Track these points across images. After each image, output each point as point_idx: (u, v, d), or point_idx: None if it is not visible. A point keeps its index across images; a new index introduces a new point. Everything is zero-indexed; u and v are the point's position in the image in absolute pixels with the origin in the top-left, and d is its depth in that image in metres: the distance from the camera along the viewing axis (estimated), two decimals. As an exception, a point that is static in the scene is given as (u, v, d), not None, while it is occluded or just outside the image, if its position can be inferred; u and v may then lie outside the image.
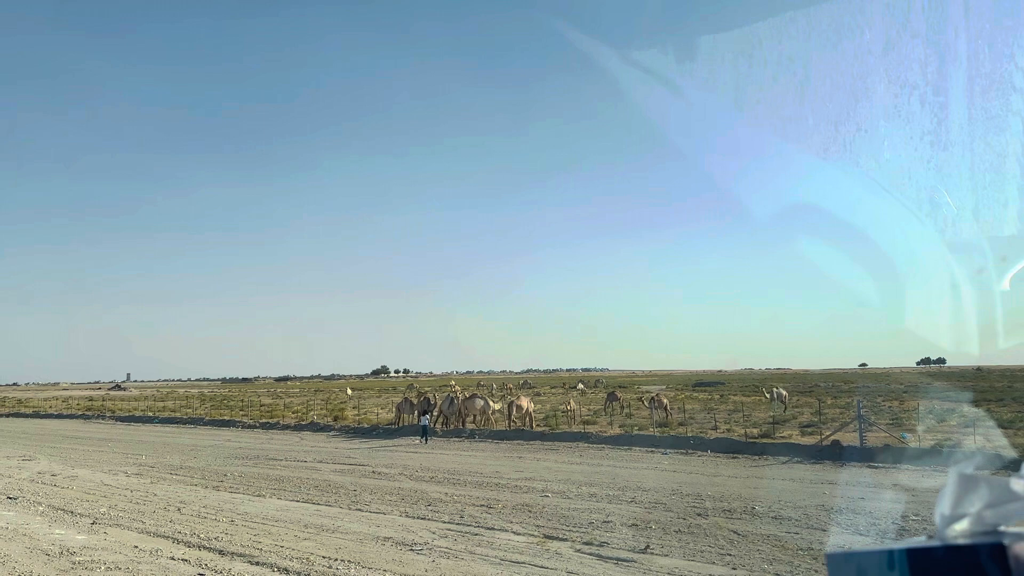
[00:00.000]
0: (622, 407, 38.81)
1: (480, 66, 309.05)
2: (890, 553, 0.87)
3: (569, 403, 35.85)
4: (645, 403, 37.76)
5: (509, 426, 30.73)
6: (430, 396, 35.48)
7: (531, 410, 31.84)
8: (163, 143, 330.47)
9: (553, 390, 73.43)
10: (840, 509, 13.56)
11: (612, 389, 53.98)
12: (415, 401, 34.41)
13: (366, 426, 34.52)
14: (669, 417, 32.51)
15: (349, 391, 75.70)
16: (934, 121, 3.83)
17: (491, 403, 32.53)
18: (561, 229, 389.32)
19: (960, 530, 0.86)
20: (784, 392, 35.98)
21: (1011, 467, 14.79)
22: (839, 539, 11.22)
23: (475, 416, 32.08)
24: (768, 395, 35.17)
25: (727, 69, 4.76)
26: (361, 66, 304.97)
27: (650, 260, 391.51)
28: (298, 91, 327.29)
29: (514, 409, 31.41)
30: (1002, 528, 0.86)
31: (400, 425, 33.02)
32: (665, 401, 34.49)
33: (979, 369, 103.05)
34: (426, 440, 28.28)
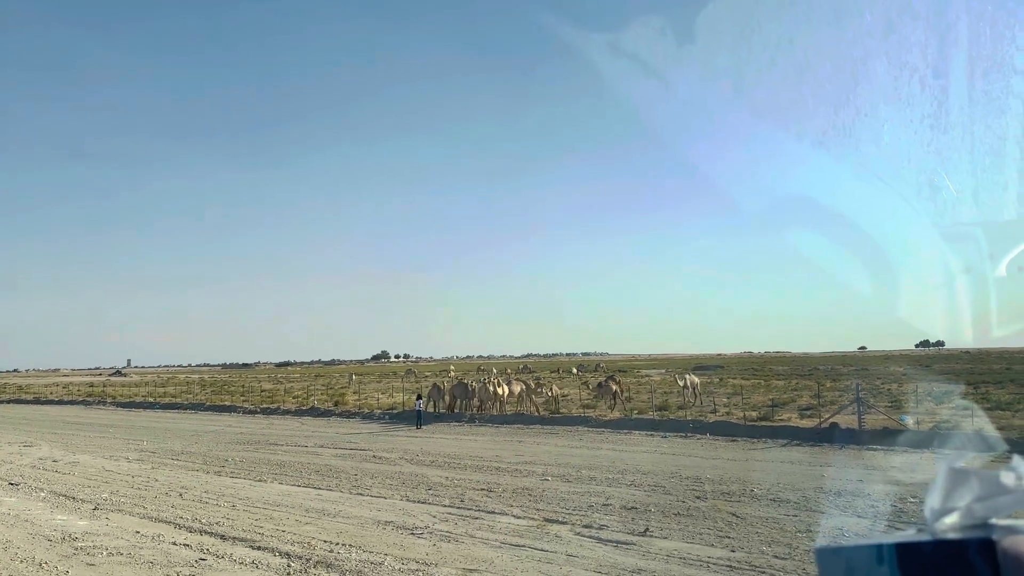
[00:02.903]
0: (621, 390, 38.60)
1: (477, 52, 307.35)
2: (879, 547, 0.87)
3: (552, 388, 34.53)
4: (590, 387, 36.37)
5: (502, 411, 30.76)
6: (467, 382, 34.66)
7: (519, 393, 31.73)
8: (163, 128, 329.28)
9: (552, 375, 73.59)
10: (838, 491, 13.62)
11: (612, 373, 54.01)
12: (443, 386, 34.12)
13: (366, 411, 34.65)
14: (617, 402, 32.23)
15: (353, 376, 75.73)
16: (934, 104, 3.80)
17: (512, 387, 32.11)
18: (562, 213, 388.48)
19: (950, 523, 0.86)
20: (696, 380, 35.14)
21: (1000, 448, 14.82)
22: (837, 521, 11.28)
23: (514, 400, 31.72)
24: (680, 382, 34.40)
25: (727, 52, 4.72)
26: (357, 52, 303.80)
27: (650, 245, 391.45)
28: (295, 77, 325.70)
29: (504, 393, 31.35)
30: (992, 521, 0.86)
31: (437, 411, 32.47)
32: (614, 387, 33.84)
33: (967, 352, 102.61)
34: (419, 426, 28.33)
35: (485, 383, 32.53)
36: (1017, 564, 0.77)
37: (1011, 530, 0.81)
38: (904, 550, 0.85)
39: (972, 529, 0.84)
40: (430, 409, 32.29)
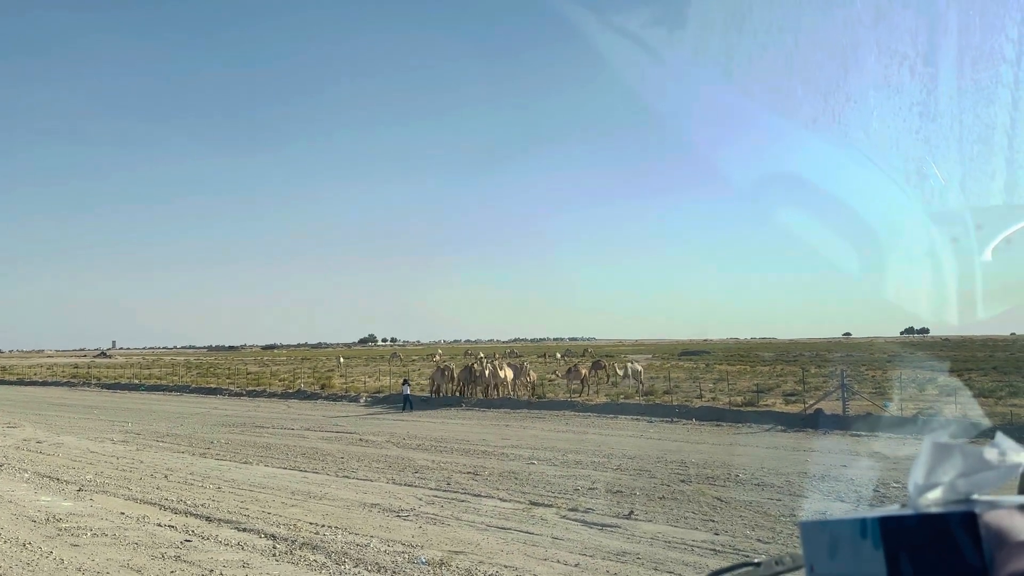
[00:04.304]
0: (607, 375, 38.52)
1: (468, 36, 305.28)
2: (863, 521, 0.88)
3: (529, 374, 33.68)
4: (560, 375, 36.21)
5: (498, 395, 30.77)
6: (473, 366, 34.28)
7: (509, 379, 31.66)
8: (149, 110, 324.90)
9: (539, 359, 73.75)
10: (822, 476, 13.77)
11: (598, 358, 54.12)
12: (444, 369, 33.97)
13: (353, 394, 34.62)
14: (586, 386, 32.28)
15: (341, 359, 75.52)
16: (923, 92, 3.80)
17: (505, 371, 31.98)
18: (549, 200, 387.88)
19: (933, 498, 0.87)
20: (640, 368, 34.60)
21: (987, 434, 15.00)
22: (820, 505, 11.42)
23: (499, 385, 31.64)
24: (620, 371, 33.75)
25: (717, 38, 4.70)
26: (345, 35, 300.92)
27: (637, 231, 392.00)
28: (280, 61, 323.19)
29: (507, 377, 31.36)
30: (975, 496, 0.87)
31: (440, 395, 32.17)
32: (584, 372, 33.77)
33: (948, 340, 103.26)
34: (405, 409, 28.31)
35: (487, 366, 32.25)
36: (998, 537, 0.79)
37: (993, 505, 0.83)
38: (887, 524, 0.86)
39: (955, 504, 0.86)
40: (436, 394, 32.14)
